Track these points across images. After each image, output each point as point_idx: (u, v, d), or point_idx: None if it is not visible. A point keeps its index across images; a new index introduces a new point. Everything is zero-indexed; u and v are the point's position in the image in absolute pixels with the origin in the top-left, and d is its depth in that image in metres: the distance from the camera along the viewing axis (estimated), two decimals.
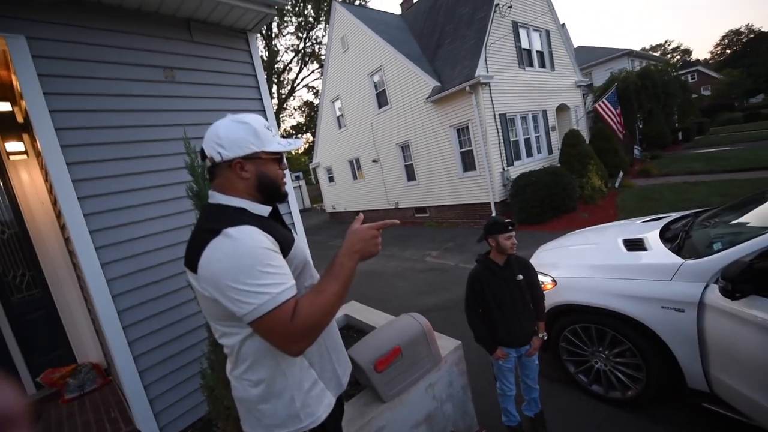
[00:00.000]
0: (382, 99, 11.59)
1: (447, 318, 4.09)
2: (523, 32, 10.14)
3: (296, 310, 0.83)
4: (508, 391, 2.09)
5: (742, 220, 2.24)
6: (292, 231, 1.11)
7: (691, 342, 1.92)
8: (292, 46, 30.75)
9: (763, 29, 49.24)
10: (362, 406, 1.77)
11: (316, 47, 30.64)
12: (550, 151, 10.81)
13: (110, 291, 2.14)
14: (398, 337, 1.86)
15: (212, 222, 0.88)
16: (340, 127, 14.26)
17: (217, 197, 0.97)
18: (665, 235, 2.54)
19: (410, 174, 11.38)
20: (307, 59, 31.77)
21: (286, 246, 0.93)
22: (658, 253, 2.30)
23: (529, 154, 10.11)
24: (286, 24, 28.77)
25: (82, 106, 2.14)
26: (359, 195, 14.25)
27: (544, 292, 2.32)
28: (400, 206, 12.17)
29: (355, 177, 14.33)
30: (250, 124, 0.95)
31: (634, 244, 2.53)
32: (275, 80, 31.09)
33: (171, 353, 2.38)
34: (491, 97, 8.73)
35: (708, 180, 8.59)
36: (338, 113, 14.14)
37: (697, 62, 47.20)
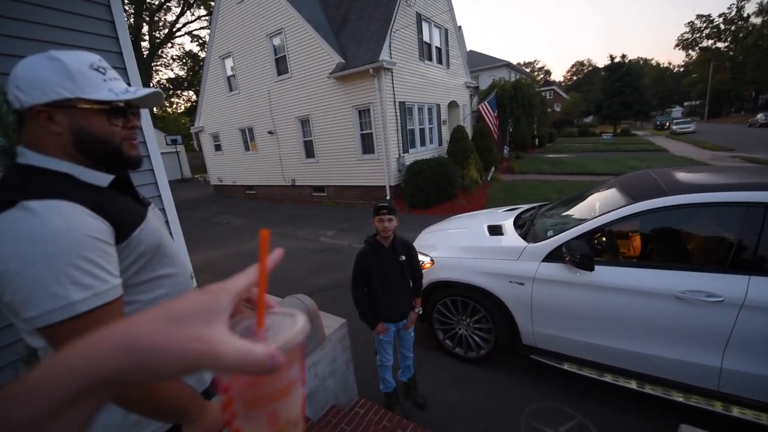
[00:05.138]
0: (282, 65, 10.71)
1: (337, 297, 4.17)
2: (425, 26, 10.63)
3: None
4: (386, 362, 2.26)
5: (567, 213, 2.87)
6: (150, 207, 0.92)
7: (526, 308, 2.40)
8: None
9: (597, 65, 63.58)
10: None
11: None
12: (440, 143, 11.85)
13: None
14: None
15: (10, 189, 0.66)
16: (231, 89, 12.67)
17: (28, 156, 0.71)
18: (518, 223, 3.08)
19: (309, 151, 10.97)
20: (191, 1, 26.96)
21: (128, 226, 0.76)
22: (511, 237, 2.77)
23: (423, 143, 10.88)
24: None
25: None
26: (251, 168, 13.10)
27: (423, 270, 2.57)
28: (297, 183, 11.68)
29: (247, 148, 13.06)
30: (61, 61, 0.72)
31: (495, 230, 2.99)
32: (146, 18, 25.55)
33: None
34: (393, 83, 8.99)
35: (552, 180, 10.80)
36: (229, 73, 12.51)
37: (554, 83, 58.24)
